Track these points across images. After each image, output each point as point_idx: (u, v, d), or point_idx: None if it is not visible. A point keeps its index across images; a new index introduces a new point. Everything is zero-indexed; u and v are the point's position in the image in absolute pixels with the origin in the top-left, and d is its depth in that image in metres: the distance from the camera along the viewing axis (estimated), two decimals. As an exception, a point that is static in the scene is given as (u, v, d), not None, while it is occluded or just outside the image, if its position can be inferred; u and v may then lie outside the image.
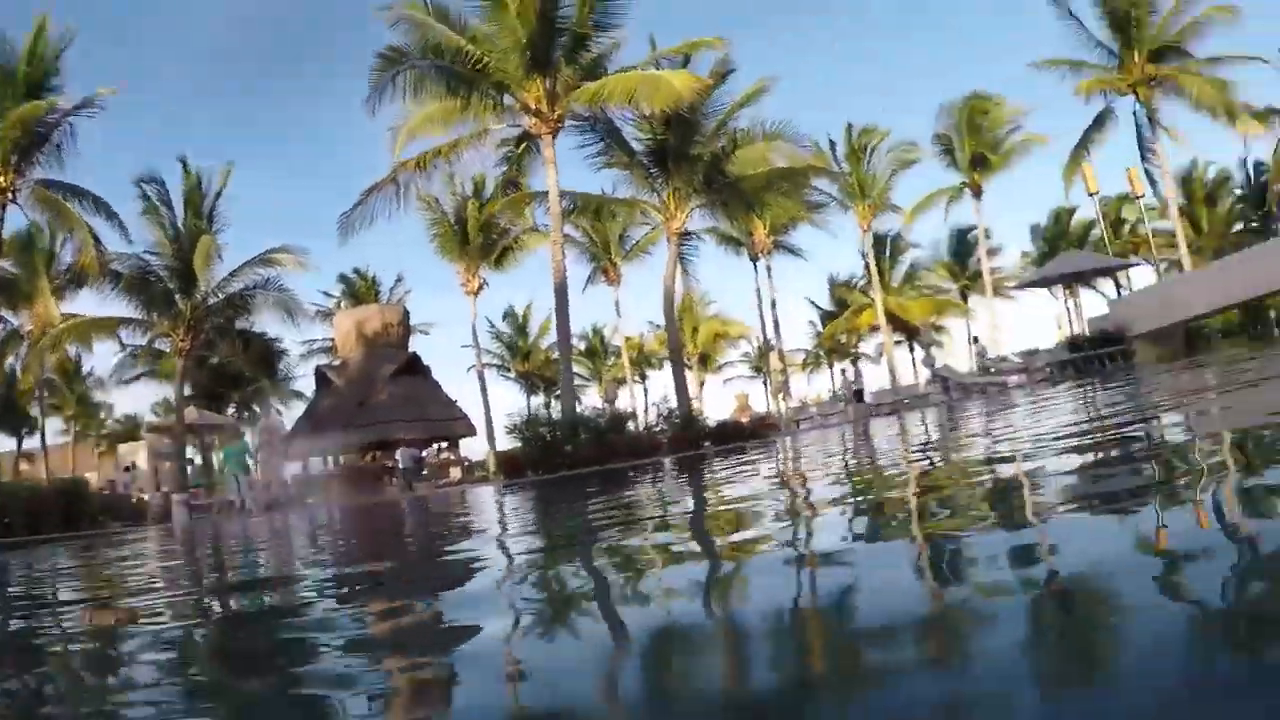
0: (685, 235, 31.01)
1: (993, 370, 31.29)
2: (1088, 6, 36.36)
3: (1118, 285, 42.33)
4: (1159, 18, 35.45)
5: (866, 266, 47.61)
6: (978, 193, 44.55)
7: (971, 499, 3.97)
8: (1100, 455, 4.90)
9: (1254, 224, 52.22)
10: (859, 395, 31.06)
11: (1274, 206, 48.14)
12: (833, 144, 44.74)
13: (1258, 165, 50.51)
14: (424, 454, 35.52)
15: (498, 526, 7.95)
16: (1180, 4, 35.11)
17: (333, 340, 44.47)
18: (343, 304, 51.77)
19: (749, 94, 29.57)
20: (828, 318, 61.46)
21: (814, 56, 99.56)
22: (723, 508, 5.90)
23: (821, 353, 65.79)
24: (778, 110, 50.37)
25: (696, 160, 28.66)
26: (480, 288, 43.74)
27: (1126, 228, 53.66)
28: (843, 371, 37.36)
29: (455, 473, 38.08)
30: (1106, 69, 36.78)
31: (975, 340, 33.44)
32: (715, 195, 29.33)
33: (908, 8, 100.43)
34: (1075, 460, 4.81)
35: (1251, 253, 31.92)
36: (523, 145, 29.24)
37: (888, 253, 54.27)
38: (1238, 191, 54.49)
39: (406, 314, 43.07)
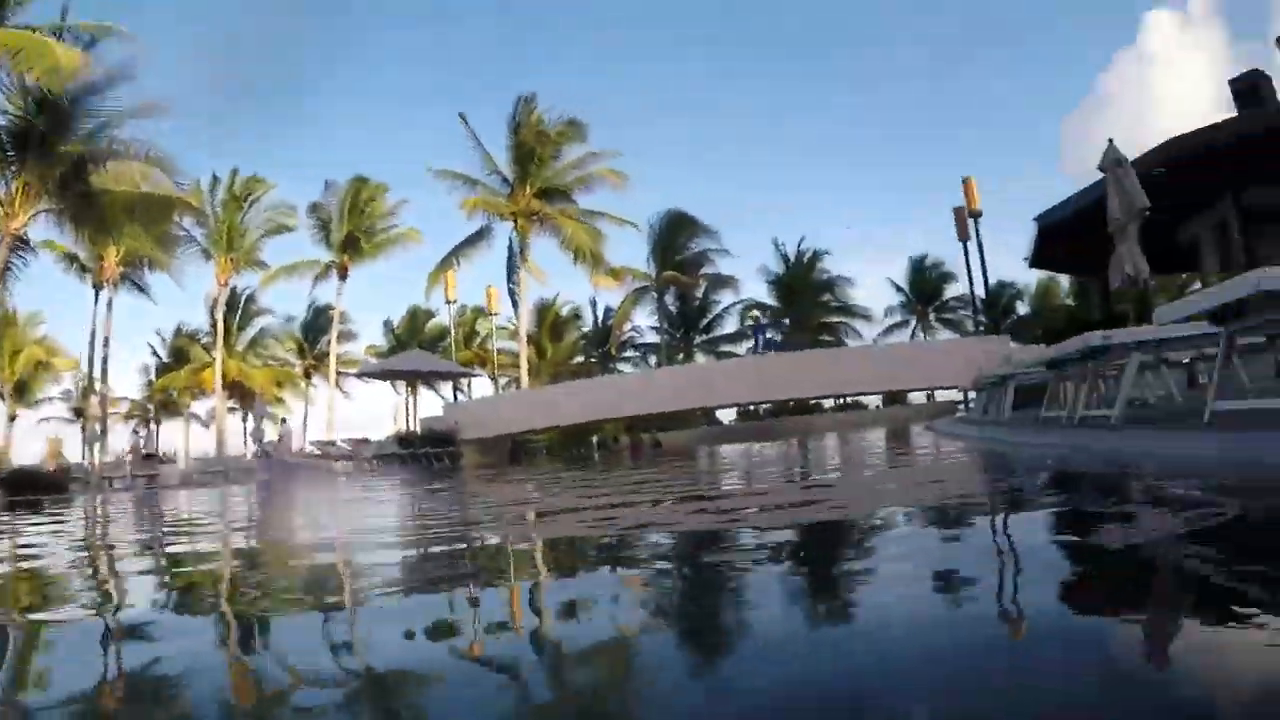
0: (23, 241, 26.92)
1: (313, 452, 31.13)
2: (501, 134, 38.84)
3: (456, 390, 44.49)
4: (560, 164, 39.04)
5: (214, 322, 45.05)
6: (344, 274, 44.28)
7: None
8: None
9: (594, 359, 57.54)
10: (150, 458, 29.27)
11: (614, 349, 54.34)
12: (216, 182, 42.03)
13: (607, 310, 56.22)
14: None
15: None
16: (580, 161, 39.22)
17: None
18: None
19: (144, 106, 26.58)
20: (165, 369, 55.69)
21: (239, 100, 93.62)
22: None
23: (151, 405, 59.35)
24: (172, 142, 47.02)
25: (62, 157, 25.13)
26: None
27: (478, 340, 56.30)
28: (134, 431, 34.88)
29: None
30: (496, 193, 39.11)
31: (284, 421, 32.93)
32: (69, 203, 25.98)
33: (337, 89, 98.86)
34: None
35: (580, 384, 35.81)
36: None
37: (240, 313, 51.73)
38: (585, 329, 59.44)
39: None
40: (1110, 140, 13.22)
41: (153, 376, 57.83)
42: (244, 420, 51.86)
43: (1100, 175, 13.85)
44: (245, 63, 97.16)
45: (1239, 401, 5.42)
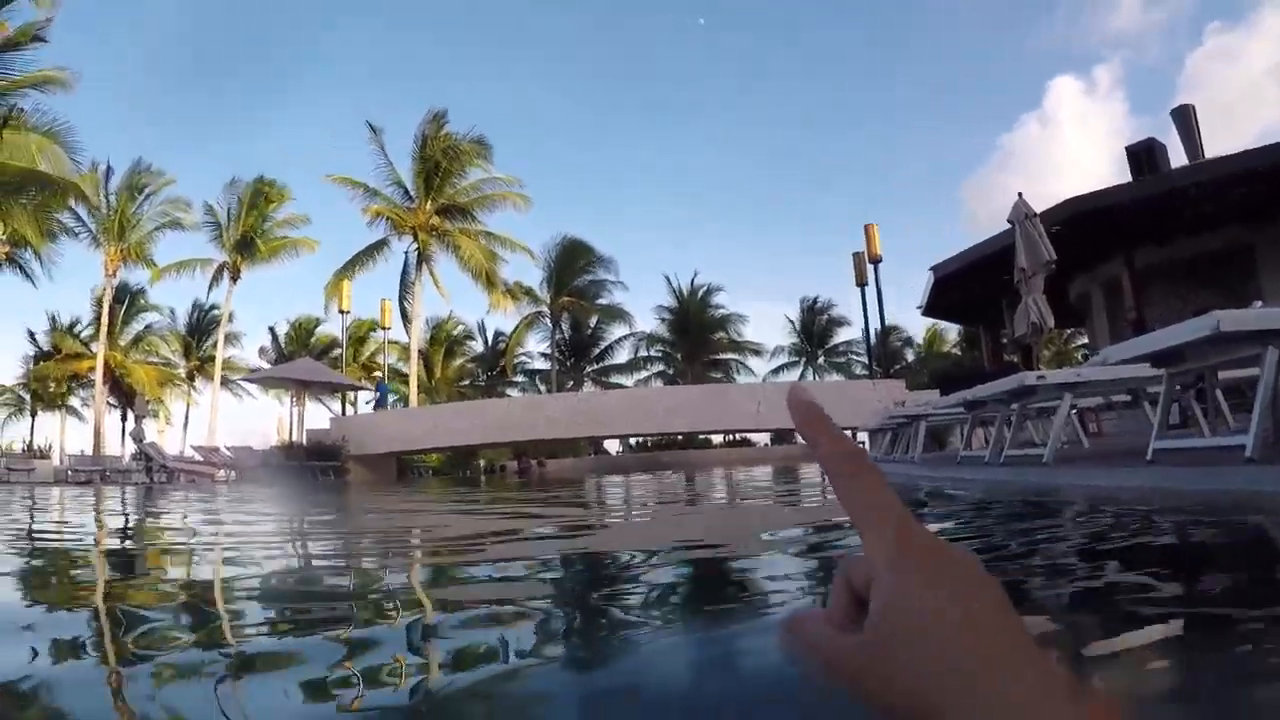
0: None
1: (199, 458, 30.27)
2: (407, 146, 38.95)
3: (345, 404, 43.58)
4: (465, 182, 39.19)
5: (98, 315, 43.34)
6: (235, 276, 43.37)
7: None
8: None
9: (481, 382, 56.90)
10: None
11: (509, 369, 53.79)
12: (110, 171, 40.78)
13: (496, 333, 56.53)
14: None
15: None
16: (481, 183, 39.46)
17: None
18: None
19: (46, 76, 25.77)
20: (42, 358, 52.89)
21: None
22: None
23: (27, 396, 55.61)
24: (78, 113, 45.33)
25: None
26: None
27: (367, 353, 55.48)
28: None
29: None
30: (397, 205, 38.97)
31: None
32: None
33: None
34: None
35: (470, 405, 35.42)
36: None
37: (126, 307, 49.66)
38: (476, 350, 58.98)
39: None
40: (1020, 194, 13.75)
41: (30, 365, 54.57)
42: (124, 419, 50.03)
43: (1005, 228, 14.41)
44: (172, 44, 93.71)
45: (1174, 441, 5.74)
